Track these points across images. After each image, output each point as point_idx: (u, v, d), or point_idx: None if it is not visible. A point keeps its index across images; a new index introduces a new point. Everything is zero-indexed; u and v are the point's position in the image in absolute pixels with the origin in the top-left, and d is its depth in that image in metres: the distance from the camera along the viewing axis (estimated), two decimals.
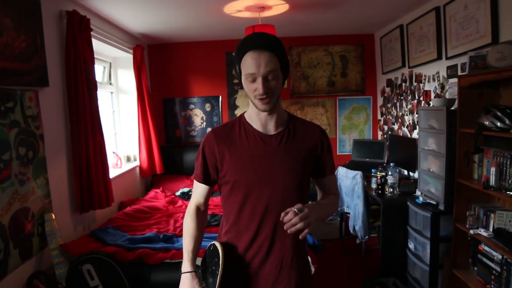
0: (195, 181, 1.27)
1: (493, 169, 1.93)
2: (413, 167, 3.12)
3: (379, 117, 4.34)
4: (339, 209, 3.28)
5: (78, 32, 2.43)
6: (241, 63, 1.12)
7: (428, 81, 3.05)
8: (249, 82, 1.11)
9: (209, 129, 1.31)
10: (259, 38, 1.10)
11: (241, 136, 1.20)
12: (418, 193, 2.69)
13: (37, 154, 2.12)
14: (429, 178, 2.52)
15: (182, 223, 2.80)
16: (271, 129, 1.19)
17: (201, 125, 4.38)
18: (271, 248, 1.19)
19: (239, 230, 1.20)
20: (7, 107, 1.87)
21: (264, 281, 1.20)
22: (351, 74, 4.32)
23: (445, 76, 2.76)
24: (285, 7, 2.97)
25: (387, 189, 2.86)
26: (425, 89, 3.11)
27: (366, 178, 3.10)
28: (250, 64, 1.08)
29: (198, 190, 1.27)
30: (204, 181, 1.24)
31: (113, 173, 3.19)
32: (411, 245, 2.64)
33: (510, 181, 1.87)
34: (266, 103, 1.12)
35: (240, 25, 3.37)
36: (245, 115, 1.24)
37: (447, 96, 2.72)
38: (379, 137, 4.35)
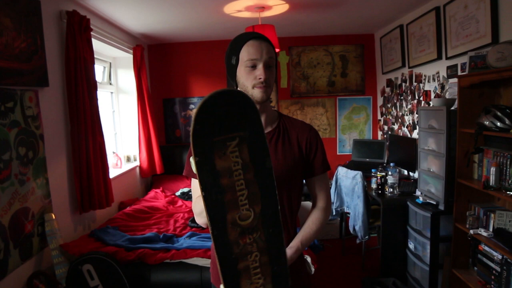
0: (193, 179, 1.21)
1: (493, 169, 1.93)
2: (413, 167, 3.12)
3: (379, 117, 4.34)
4: (339, 209, 3.28)
5: (78, 32, 2.43)
6: (240, 53, 1.12)
7: (428, 81, 3.05)
8: (249, 69, 1.11)
9: None
10: (257, 32, 1.14)
11: None
12: (418, 193, 2.69)
13: (37, 154, 2.12)
14: (429, 178, 2.52)
15: (182, 223, 2.82)
16: None
17: None
18: None
19: None
20: (7, 107, 1.87)
21: None
22: (351, 74, 4.32)
23: (445, 76, 2.76)
24: (285, 7, 2.97)
25: (387, 189, 2.86)
26: (425, 89, 3.11)
27: (366, 178, 3.10)
28: (251, 51, 1.10)
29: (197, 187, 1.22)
30: None
31: (113, 173, 3.19)
32: (411, 245, 2.64)
33: (510, 181, 1.87)
34: (264, 92, 1.12)
35: (240, 25, 3.37)
36: None
37: (447, 96, 2.72)
38: (379, 137, 4.35)
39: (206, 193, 0.85)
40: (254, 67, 1.10)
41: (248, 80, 1.12)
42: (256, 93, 1.12)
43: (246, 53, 1.10)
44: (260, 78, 1.10)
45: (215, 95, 0.79)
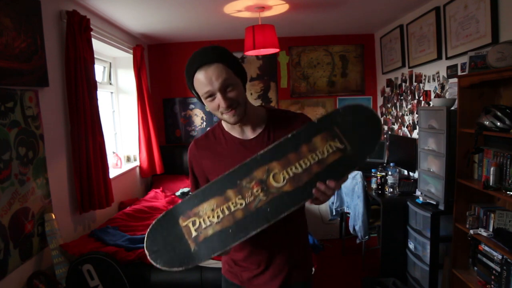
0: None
1: (493, 169, 1.93)
2: (413, 167, 3.12)
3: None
4: (339, 209, 3.28)
5: (78, 32, 2.43)
6: (194, 88, 1.08)
7: (428, 81, 3.05)
8: (209, 101, 1.06)
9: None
10: (200, 55, 1.05)
11: (221, 145, 1.18)
12: (418, 193, 2.69)
13: (37, 154, 2.12)
14: (429, 178, 2.52)
15: None
16: (249, 134, 1.16)
17: (201, 125, 4.38)
18: (271, 258, 1.18)
19: None
20: (7, 107, 1.87)
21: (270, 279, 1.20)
22: (351, 74, 4.32)
23: (445, 76, 2.76)
24: (285, 7, 2.97)
25: (387, 189, 2.86)
26: (425, 89, 3.11)
27: (366, 178, 3.10)
28: (201, 83, 1.04)
29: None
30: None
31: (113, 173, 3.19)
32: (411, 245, 2.64)
33: (510, 181, 1.87)
34: (234, 115, 1.07)
35: (240, 25, 3.37)
36: (222, 122, 1.20)
37: (447, 96, 2.72)
38: None
39: (295, 134, 0.98)
40: (212, 96, 1.05)
41: (215, 110, 1.08)
42: (227, 119, 1.09)
43: (199, 88, 1.06)
44: (223, 106, 1.05)
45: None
